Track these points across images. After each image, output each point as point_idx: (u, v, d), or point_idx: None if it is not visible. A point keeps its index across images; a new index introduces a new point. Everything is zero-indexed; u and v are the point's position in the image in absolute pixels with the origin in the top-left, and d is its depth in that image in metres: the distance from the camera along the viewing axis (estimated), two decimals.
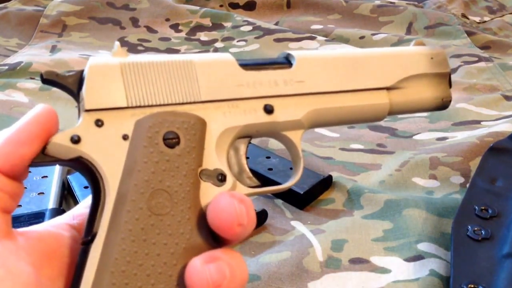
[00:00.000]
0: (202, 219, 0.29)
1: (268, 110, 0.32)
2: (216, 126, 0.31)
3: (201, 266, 0.27)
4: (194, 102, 0.31)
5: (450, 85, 0.38)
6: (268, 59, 0.34)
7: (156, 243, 0.28)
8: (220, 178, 0.30)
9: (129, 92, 0.29)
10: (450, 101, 0.38)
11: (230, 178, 0.31)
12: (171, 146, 0.29)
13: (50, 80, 0.29)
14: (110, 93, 0.29)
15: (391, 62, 0.36)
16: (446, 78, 0.38)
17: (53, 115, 0.28)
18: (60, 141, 0.28)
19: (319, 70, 0.34)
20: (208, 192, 0.30)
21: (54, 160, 0.28)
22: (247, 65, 0.33)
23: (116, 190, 0.28)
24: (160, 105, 0.30)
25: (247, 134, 0.33)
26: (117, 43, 0.31)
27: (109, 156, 0.28)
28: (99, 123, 0.29)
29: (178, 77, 0.31)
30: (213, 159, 0.30)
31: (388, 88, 0.36)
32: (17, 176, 0.27)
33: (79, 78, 0.29)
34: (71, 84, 0.29)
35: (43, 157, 0.28)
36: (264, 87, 0.33)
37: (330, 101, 0.34)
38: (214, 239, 0.29)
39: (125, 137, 0.29)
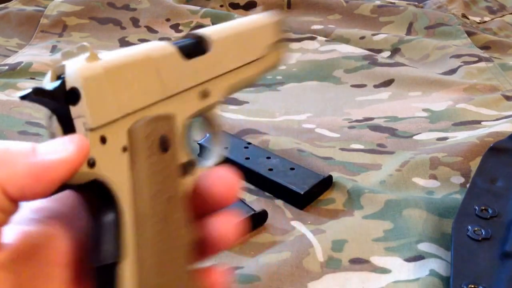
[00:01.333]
0: (190, 211, 0.30)
1: (205, 94, 0.34)
2: (179, 119, 0.31)
3: None
4: (162, 100, 0.30)
5: (285, 47, 0.42)
6: (189, 40, 0.34)
7: (175, 249, 0.28)
8: (191, 167, 0.31)
9: (117, 100, 0.27)
10: (284, 60, 0.42)
11: (196, 163, 0.32)
12: (165, 150, 0.29)
13: (34, 98, 0.25)
14: (105, 105, 0.27)
15: (261, 34, 0.40)
16: (283, 42, 0.42)
17: (86, 154, 0.25)
18: (80, 169, 0.25)
19: (228, 49, 0.36)
20: (187, 184, 0.30)
21: (65, 188, 0.26)
22: (182, 51, 0.32)
23: (131, 206, 0.27)
24: (141, 108, 0.29)
25: (191, 119, 0.34)
26: (87, 45, 0.27)
27: (118, 172, 0.27)
28: (103, 140, 0.26)
29: (145, 75, 0.29)
30: (184, 152, 0.31)
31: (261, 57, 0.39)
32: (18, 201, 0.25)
33: (65, 91, 0.25)
34: (59, 99, 0.25)
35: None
36: (201, 74, 0.33)
37: (237, 76, 0.37)
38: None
39: (124, 149, 0.27)
